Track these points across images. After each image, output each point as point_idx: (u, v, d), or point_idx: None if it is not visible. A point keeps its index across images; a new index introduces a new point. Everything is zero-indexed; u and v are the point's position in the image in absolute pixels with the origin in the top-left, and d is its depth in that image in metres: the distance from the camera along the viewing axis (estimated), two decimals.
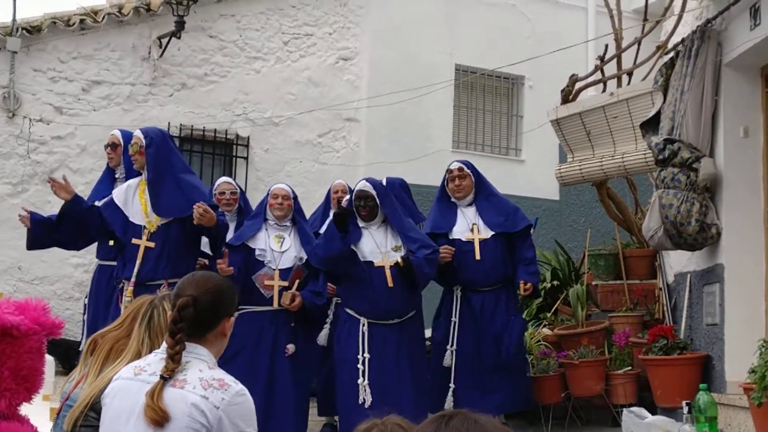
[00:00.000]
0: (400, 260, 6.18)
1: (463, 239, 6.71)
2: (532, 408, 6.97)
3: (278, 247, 6.27)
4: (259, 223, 6.35)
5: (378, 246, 6.28)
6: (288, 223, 6.39)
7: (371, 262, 6.24)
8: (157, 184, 6.17)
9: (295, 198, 6.45)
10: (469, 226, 6.73)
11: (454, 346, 6.60)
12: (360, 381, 6.02)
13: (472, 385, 6.52)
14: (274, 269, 6.20)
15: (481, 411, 1.74)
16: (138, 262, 6.06)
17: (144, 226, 6.14)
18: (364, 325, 6.16)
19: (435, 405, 6.44)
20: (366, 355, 6.09)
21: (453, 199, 6.87)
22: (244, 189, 8.94)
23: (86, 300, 6.77)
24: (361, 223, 6.38)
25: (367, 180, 6.51)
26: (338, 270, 6.25)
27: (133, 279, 6.03)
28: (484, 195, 6.86)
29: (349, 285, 6.28)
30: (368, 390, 6.01)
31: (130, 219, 6.19)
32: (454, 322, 6.64)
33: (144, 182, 6.23)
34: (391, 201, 6.45)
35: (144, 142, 6.19)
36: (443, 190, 6.94)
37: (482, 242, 6.67)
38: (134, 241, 6.11)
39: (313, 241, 6.38)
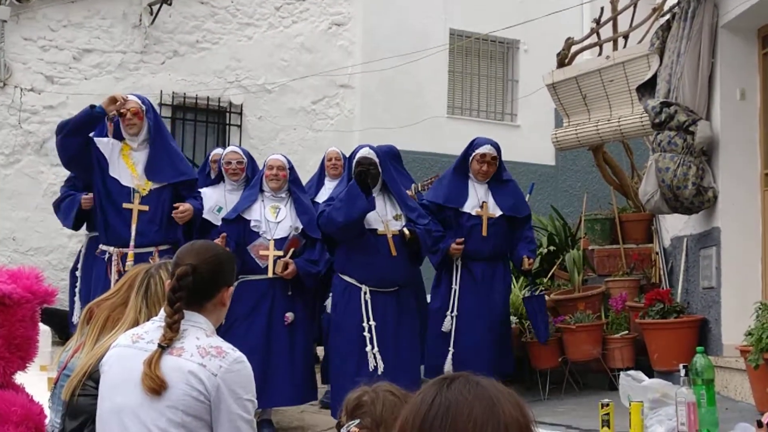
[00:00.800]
0: (407, 232, 6.19)
1: (473, 213, 6.76)
2: (513, 371, 6.96)
3: (273, 218, 6.28)
4: (255, 194, 6.37)
5: (379, 214, 6.24)
6: (284, 194, 6.40)
7: (375, 230, 6.20)
8: (153, 148, 6.18)
9: (291, 168, 6.45)
10: (479, 202, 6.78)
11: (455, 312, 6.65)
12: (369, 348, 6.01)
13: (471, 351, 6.56)
14: (269, 239, 6.21)
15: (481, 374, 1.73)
16: (134, 226, 6.02)
17: (134, 189, 6.10)
18: (366, 293, 6.13)
19: (434, 370, 6.48)
20: (372, 322, 6.07)
21: (471, 176, 6.85)
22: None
23: (78, 273, 6.68)
24: None
25: (369, 147, 6.46)
26: (349, 237, 6.21)
27: (132, 243, 5.99)
28: (499, 177, 6.87)
29: (349, 252, 6.24)
30: (379, 357, 6.00)
31: (114, 176, 6.11)
32: (455, 290, 6.68)
33: (127, 146, 6.17)
34: (389, 168, 6.45)
35: (143, 107, 6.19)
36: (462, 163, 6.88)
37: (490, 220, 6.74)
38: (125, 205, 6.05)
39: (310, 211, 6.37)
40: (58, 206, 6.63)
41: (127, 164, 6.13)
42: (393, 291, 6.21)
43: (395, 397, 2.25)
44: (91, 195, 6.23)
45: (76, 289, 6.46)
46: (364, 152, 6.32)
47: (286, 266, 6.10)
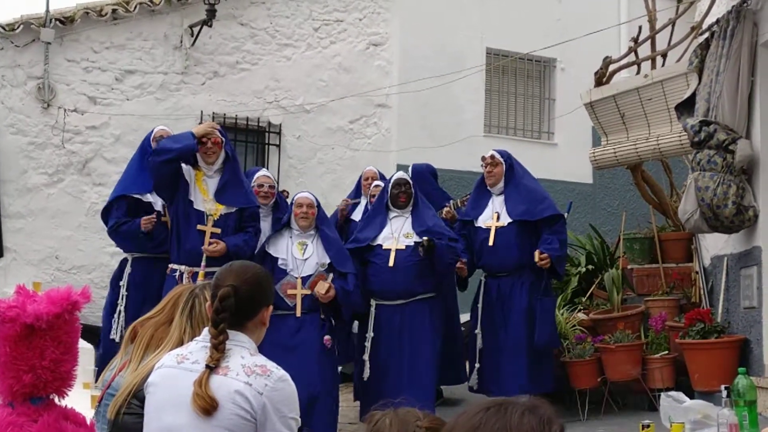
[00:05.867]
0: (425, 241, 6.43)
1: (483, 227, 6.96)
2: (551, 391, 6.83)
3: (300, 255, 6.43)
4: (282, 231, 6.56)
5: (393, 232, 6.67)
6: (312, 231, 6.53)
7: (380, 245, 6.65)
8: (224, 176, 6.51)
9: (319, 206, 6.60)
10: (492, 214, 6.95)
11: (478, 330, 6.92)
12: (365, 357, 6.48)
13: (491, 369, 6.81)
14: (296, 278, 6.34)
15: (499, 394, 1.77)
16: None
17: (206, 213, 6.41)
18: (372, 305, 6.57)
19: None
20: (370, 333, 6.51)
21: (488, 186, 7.09)
22: (276, 177, 8.97)
23: (122, 293, 6.74)
24: (393, 213, 6.77)
25: (404, 172, 7.01)
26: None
27: (203, 263, 6.29)
28: (513, 183, 6.99)
29: (365, 269, 6.66)
30: (368, 365, 6.44)
31: (191, 198, 6.42)
32: (479, 308, 6.96)
33: (201, 172, 6.49)
34: (419, 191, 6.89)
35: (222, 138, 6.55)
36: (482, 177, 7.17)
37: (498, 229, 6.88)
38: (200, 227, 6.37)
39: (336, 245, 6.56)
40: (117, 231, 6.63)
41: (200, 189, 6.48)
42: (398, 305, 6.54)
43: (418, 419, 2.22)
44: (150, 216, 6.44)
45: (120, 306, 6.55)
46: (398, 174, 6.91)
47: (328, 289, 6.23)
